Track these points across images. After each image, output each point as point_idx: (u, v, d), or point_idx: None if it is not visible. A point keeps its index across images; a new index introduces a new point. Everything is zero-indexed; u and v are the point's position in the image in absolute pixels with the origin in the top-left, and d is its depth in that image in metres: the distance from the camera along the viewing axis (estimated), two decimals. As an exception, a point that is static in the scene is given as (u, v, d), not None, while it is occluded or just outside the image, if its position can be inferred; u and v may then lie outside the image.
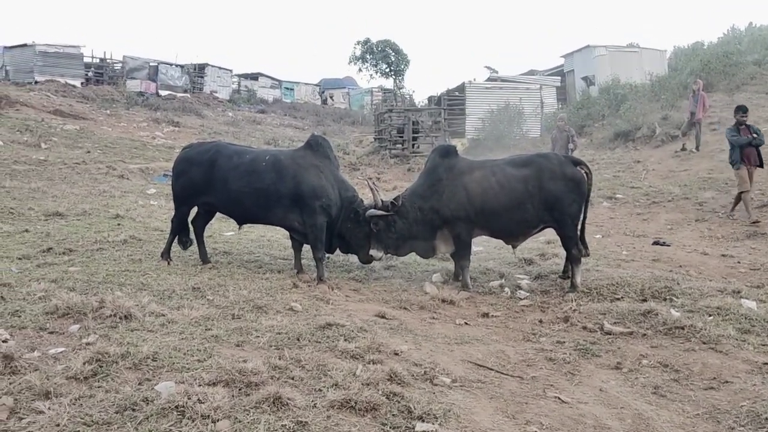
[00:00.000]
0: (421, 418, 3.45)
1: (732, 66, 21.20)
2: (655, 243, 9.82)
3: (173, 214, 7.46)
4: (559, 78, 28.40)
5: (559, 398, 4.04)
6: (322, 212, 6.83)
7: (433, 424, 3.37)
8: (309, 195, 6.80)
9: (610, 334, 5.38)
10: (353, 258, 7.59)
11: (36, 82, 31.26)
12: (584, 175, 6.87)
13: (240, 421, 3.23)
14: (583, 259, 7.01)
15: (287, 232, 7.42)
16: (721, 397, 4.14)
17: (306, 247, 7.30)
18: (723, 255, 8.86)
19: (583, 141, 20.96)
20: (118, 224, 9.73)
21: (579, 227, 7.00)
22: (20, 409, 3.26)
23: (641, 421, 3.76)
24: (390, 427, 3.35)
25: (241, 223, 7.49)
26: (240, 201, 6.98)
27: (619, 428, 3.65)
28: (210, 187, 7.04)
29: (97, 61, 36.59)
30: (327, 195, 6.85)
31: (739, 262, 8.40)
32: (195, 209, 7.50)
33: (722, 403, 4.04)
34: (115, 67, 37.19)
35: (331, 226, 7.01)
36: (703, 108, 15.73)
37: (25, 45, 33.24)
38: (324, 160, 7.05)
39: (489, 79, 27.63)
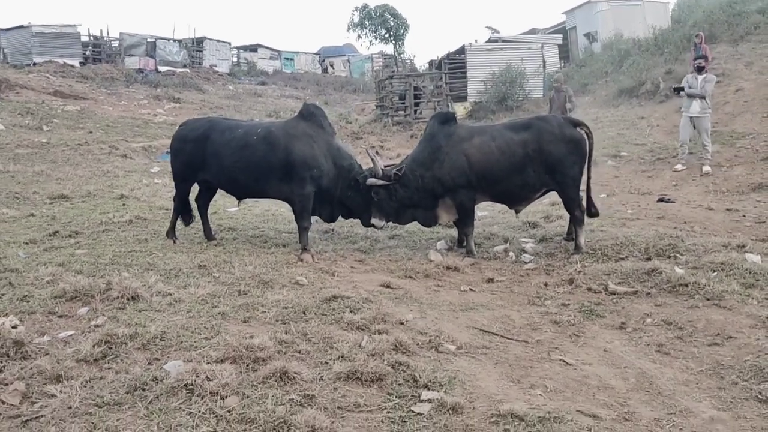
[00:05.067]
0: (426, 387, 3.50)
1: (735, 16, 20.75)
2: (660, 200, 9.79)
3: (175, 192, 7.48)
4: (561, 36, 27.95)
5: (563, 360, 4.08)
6: (311, 182, 6.80)
7: (439, 391, 3.42)
8: (300, 165, 6.75)
9: (615, 295, 5.40)
10: (357, 229, 7.62)
11: (34, 64, 31.08)
12: (584, 135, 6.82)
13: (248, 397, 3.29)
14: (587, 219, 7.01)
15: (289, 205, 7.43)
16: (725, 353, 4.18)
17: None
18: (728, 209, 8.84)
19: (587, 99, 20.74)
20: (123, 204, 9.78)
21: (585, 188, 6.98)
22: (32, 393, 3.34)
23: (645, 380, 3.81)
24: (396, 397, 3.40)
25: (239, 198, 7.51)
26: (234, 176, 6.98)
27: (622, 387, 3.70)
28: (205, 163, 7.04)
29: (94, 39, 36.29)
30: (318, 165, 6.81)
31: (744, 216, 8.38)
32: (197, 187, 7.51)
33: (726, 359, 4.08)
34: (113, 45, 36.90)
35: (331, 196, 7.00)
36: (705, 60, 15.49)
37: (21, 27, 32.97)
38: (317, 129, 6.99)
39: (490, 41, 27.24)
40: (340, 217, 7.38)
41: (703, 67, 11.79)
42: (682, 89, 11.88)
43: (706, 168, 11.37)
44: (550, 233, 7.66)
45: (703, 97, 11.53)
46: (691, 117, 11.73)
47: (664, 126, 15.55)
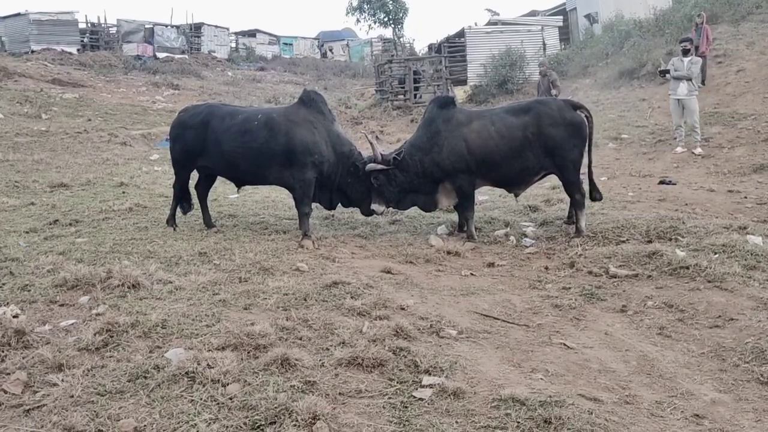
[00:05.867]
0: (427, 372, 3.50)
1: (737, -6, 20.60)
2: (661, 182, 9.77)
3: (174, 179, 7.46)
4: (561, 17, 27.75)
5: (564, 344, 4.08)
6: (312, 168, 6.79)
7: (440, 377, 3.42)
8: (301, 151, 6.74)
9: (616, 278, 5.40)
10: (358, 215, 7.61)
11: (32, 52, 30.94)
12: (584, 119, 6.78)
13: (249, 384, 3.29)
14: (588, 203, 6.99)
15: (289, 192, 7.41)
16: (726, 335, 4.18)
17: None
18: (729, 191, 8.83)
19: (587, 81, 20.63)
20: (123, 192, 9.76)
21: (586, 171, 6.96)
22: (34, 382, 3.33)
23: (646, 363, 3.81)
24: (397, 382, 3.40)
25: (239, 185, 7.49)
26: (235, 162, 6.95)
27: (623, 371, 3.70)
28: (205, 149, 7.02)
29: (92, 26, 36.05)
30: (319, 151, 6.80)
31: (745, 197, 8.37)
32: (197, 175, 7.49)
33: (727, 341, 4.09)
34: (110, 32, 36.67)
35: (330, 183, 6.99)
36: (707, 41, 15.41)
37: (18, 14, 32.78)
38: (317, 116, 6.96)
39: (489, 23, 27.06)
40: (339, 205, 7.37)
41: (689, 50, 11.87)
42: (668, 71, 11.93)
43: (698, 150, 11.41)
44: (551, 217, 7.65)
45: (689, 79, 11.53)
46: (678, 99, 11.74)
47: (665, 108, 15.41)
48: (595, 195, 6.99)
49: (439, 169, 6.82)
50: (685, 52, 11.77)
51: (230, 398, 3.14)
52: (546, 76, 14.77)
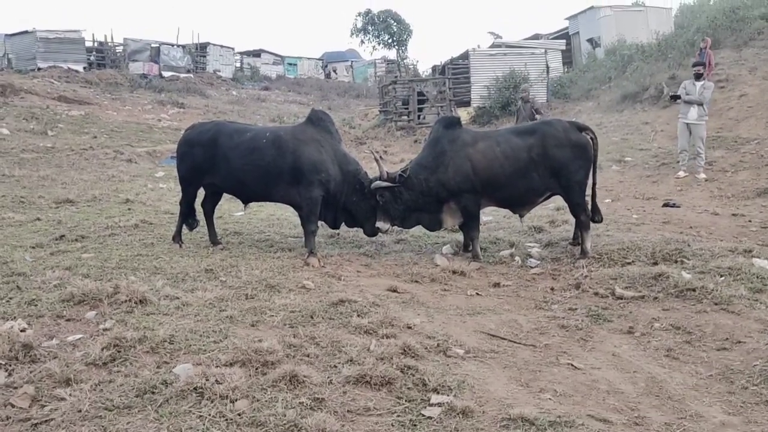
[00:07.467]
0: (435, 391, 3.50)
1: (739, 21, 20.77)
2: (666, 205, 9.79)
3: (181, 196, 7.49)
4: (564, 41, 28.01)
5: (572, 365, 4.08)
6: (319, 186, 6.82)
7: (448, 395, 3.42)
8: (308, 169, 6.78)
9: (622, 299, 5.39)
10: (363, 233, 7.62)
11: (38, 69, 31.16)
12: (590, 140, 6.81)
13: (258, 400, 3.28)
14: (592, 224, 6.99)
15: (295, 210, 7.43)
16: (734, 358, 4.17)
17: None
18: (734, 214, 8.84)
19: (590, 104, 20.77)
20: (129, 209, 9.79)
21: (590, 193, 6.98)
22: (42, 397, 3.33)
23: (654, 384, 3.80)
24: (405, 401, 3.40)
25: (245, 202, 7.51)
26: (243, 179, 6.99)
27: (632, 392, 3.69)
28: (213, 167, 7.05)
29: (98, 44, 36.34)
30: (326, 170, 6.84)
31: (750, 221, 8.38)
32: (203, 191, 7.52)
33: (735, 364, 4.08)
34: (117, 50, 36.97)
35: (336, 201, 7.02)
36: (710, 66, 15.52)
37: (26, 32, 33.08)
38: (325, 135, 7.03)
39: (493, 46, 27.30)
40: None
41: (702, 74, 11.82)
42: (679, 96, 11.88)
43: (702, 175, 11.41)
44: (556, 238, 7.65)
45: (701, 104, 11.48)
46: (687, 123, 11.67)
47: (669, 131, 15.53)
48: (596, 217, 7.00)
49: (444, 188, 6.85)
50: (698, 77, 11.70)
51: (239, 414, 3.13)
52: (528, 102, 14.23)
